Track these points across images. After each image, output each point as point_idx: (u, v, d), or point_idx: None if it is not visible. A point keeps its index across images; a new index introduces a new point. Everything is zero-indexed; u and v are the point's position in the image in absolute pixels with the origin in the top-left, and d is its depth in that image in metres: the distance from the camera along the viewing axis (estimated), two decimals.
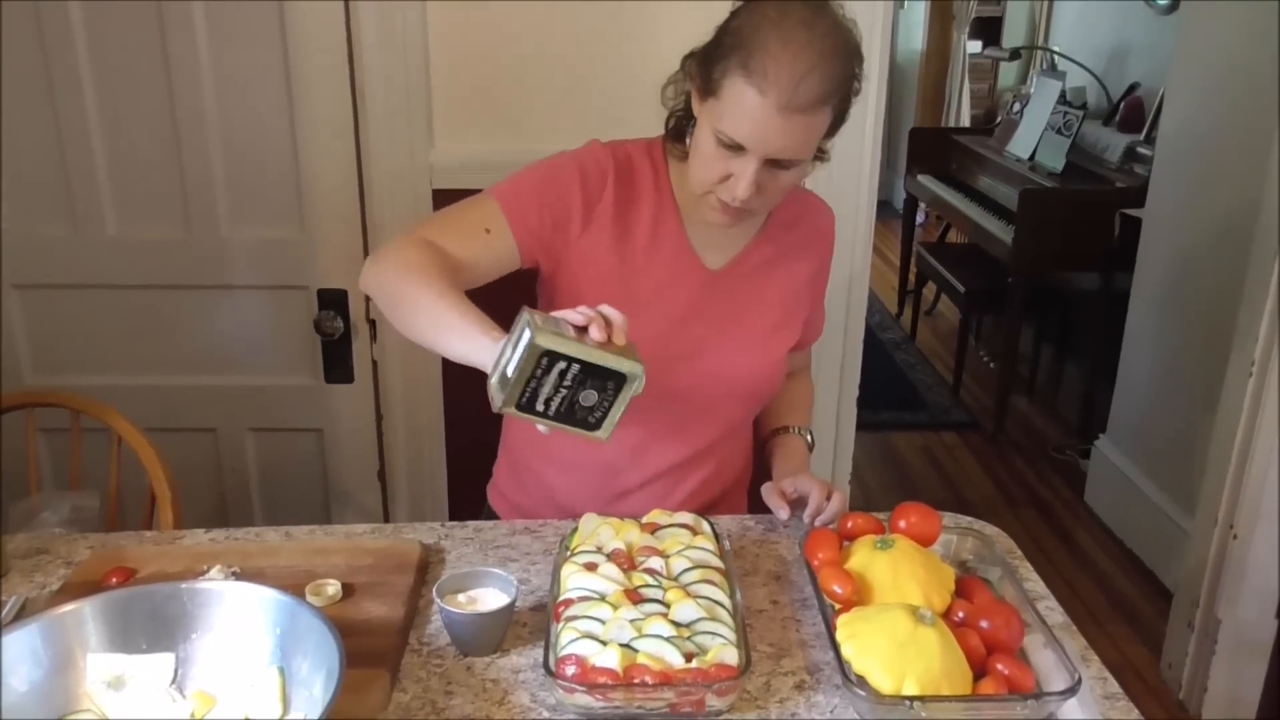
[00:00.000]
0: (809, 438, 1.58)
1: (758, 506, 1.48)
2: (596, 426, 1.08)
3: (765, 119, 1.19)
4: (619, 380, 1.05)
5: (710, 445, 1.49)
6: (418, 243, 1.28)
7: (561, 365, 1.03)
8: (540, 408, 1.05)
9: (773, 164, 1.24)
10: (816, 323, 1.60)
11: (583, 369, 1.04)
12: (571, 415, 1.07)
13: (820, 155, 1.36)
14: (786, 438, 1.57)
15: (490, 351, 1.07)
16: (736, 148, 1.22)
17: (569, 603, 1.14)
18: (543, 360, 1.02)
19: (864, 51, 2.00)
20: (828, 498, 1.39)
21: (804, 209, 1.50)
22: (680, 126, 1.38)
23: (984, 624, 1.13)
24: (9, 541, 1.37)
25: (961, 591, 1.21)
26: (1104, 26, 4.64)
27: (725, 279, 1.43)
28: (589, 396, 1.06)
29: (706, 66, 1.25)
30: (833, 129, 1.28)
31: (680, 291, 1.41)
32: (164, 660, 1.05)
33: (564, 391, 1.05)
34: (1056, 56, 4.96)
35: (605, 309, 1.08)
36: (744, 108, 1.19)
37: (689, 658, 1.07)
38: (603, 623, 1.10)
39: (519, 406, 1.05)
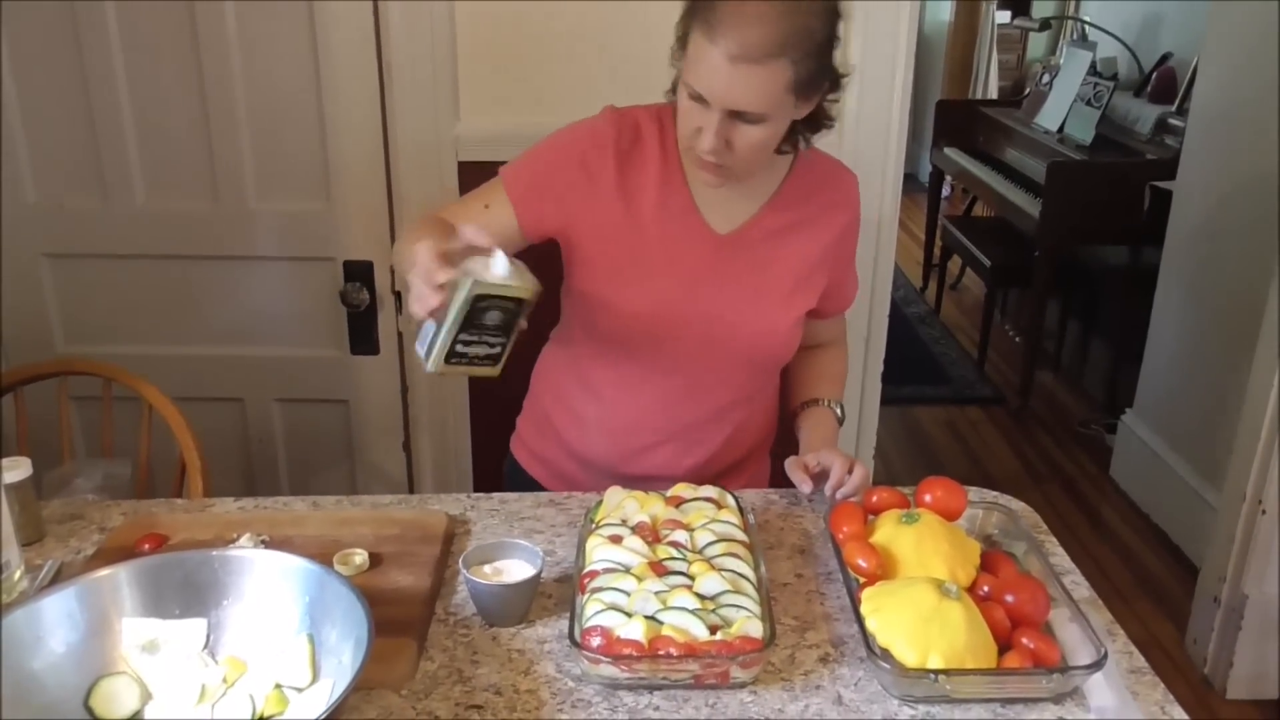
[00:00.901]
0: (839, 410, 1.57)
1: (780, 474, 1.49)
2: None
3: (717, 70, 1.21)
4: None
5: (725, 409, 1.50)
6: (427, 216, 1.39)
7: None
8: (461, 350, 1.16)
9: (737, 117, 1.25)
10: (846, 289, 1.59)
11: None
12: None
13: (827, 122, 1.37)
14: (815, 410, 1.56)
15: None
16: (701, 100, 1.25)
17: (594, 574, 1.15)
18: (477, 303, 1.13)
19: (892, 23, 2.00)
20: (850, 471, 1.39)
21: (824, 175, 1.49)
22: None
23: (1009, 598, 1.13)
24: (44, 507, 1.40)
25: (987, 566, 1.21)
26: None
27: (735, 244, 1.43)
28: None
29: (682, 24, 1.28)
30: (804, 88, 1.26)
31: (688, 255, 1.42)
32: (196, 626, 1.06)
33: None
34: (1087, 26, 4.89)
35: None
36: (702, 60, 1.23)
37: (713, 630, 1.08)
38: (628, 595, 1.11)
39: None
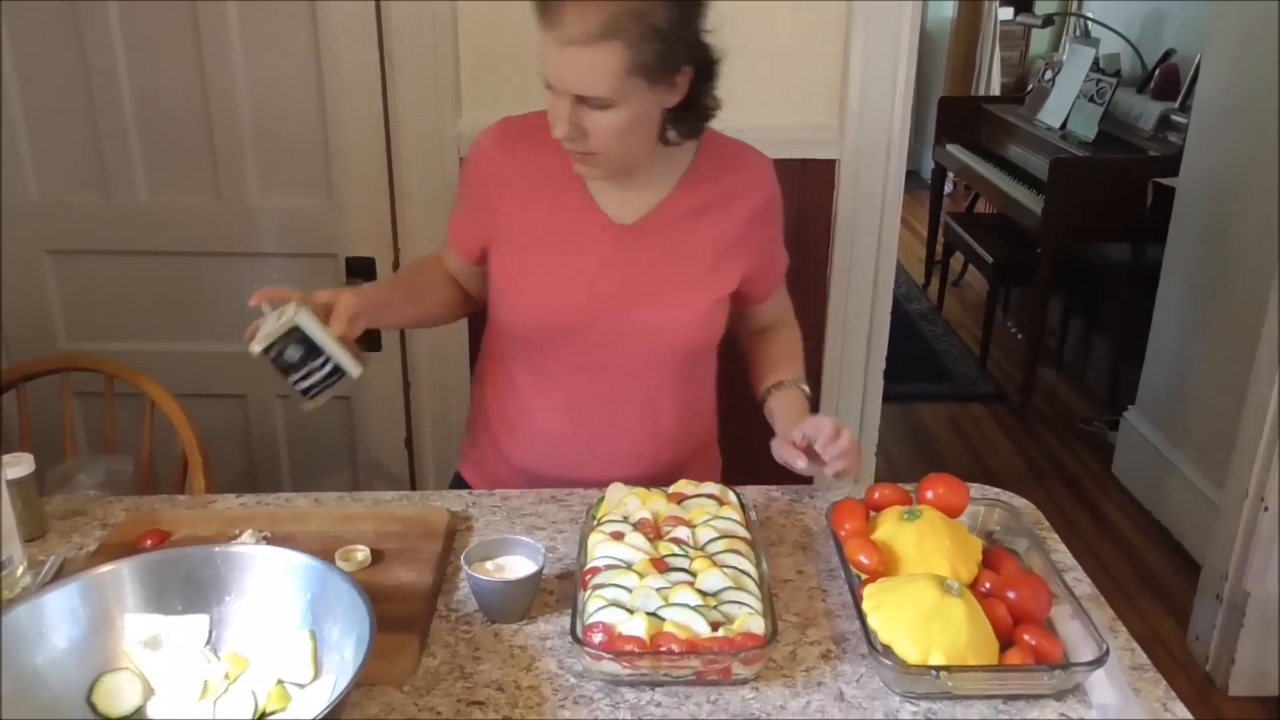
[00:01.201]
0: (804, 388, 1.54)
1: (734, 470, 1.48)
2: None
3: (552, 54, 1.25)
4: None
5: (654, 403, 1.50)
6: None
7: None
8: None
9: (583, 103, 1.27)
10: (773, 270, 1.57)
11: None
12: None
13: (706, 112, 1.38)
14: (780, 392, 1.54)
15: None
16: (551, 89, 1.28)
17: (595, 571, 1.15)
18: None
19: (894, 20, 2.00)
20: (838, 434, 1.35)
21: (730, 160, 1.48)
22: None
23: (1011, 595, 1.13)
24: (46, 503, 1.40)
25: (989, 563, 1.21)
26: None
27: (639, 233, 1.43)
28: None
29: None
30: (649, 72, 1.26)
31: (590, 249, 1.43)
32: (199, 622, 1.07)
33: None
34: (1090, 23, 4.88)
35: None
36: (542, 46, 1.26)
37: (715, 626, 1.08)
38: (629, 591, 1.11)
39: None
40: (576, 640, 1.07)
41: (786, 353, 1.60)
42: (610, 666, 1.07)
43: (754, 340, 1.62)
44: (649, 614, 1.07)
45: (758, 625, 1.08)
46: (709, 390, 1.60)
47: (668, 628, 1.06)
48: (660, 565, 1.14)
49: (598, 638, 1.06)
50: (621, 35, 1.22)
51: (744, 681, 1.09)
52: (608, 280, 1.43)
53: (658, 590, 1.10)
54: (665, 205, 1.44)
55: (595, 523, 1.25)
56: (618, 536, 1.20)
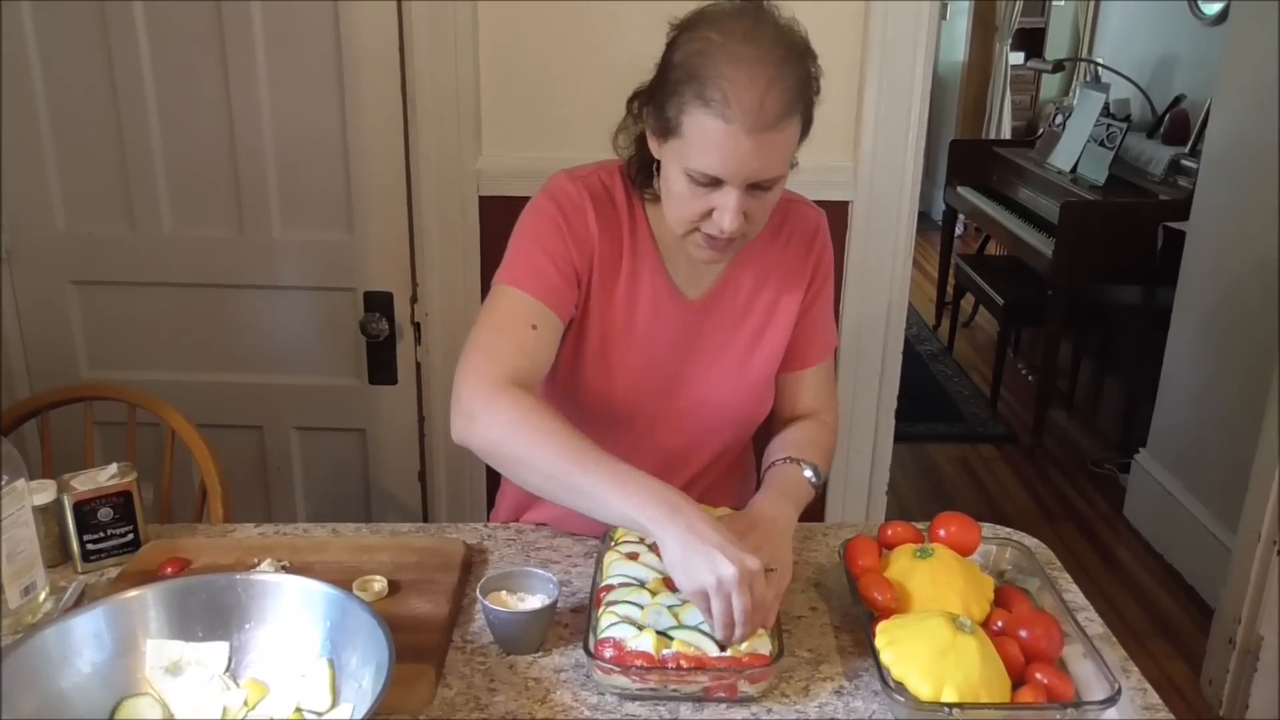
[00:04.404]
0: (808, 473, 1.35)
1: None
2: None
3: (736, 146, 1.14)
4: None
5: (707, 477, 1.47)
6: (501, 388, 1.21)
7: None
8: None
9: (753, 187, 1.19)
10: (814, 337, 1.46)
11: None
12: None
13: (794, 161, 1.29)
14: (781, 467, 1.35)
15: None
16: (713, 182, 1.18)
17: (610, 588, 1.18)
18: None
19: (907, 61, 2.04)
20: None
21: (785, 219, 1.42)
22: (647, 171, 1.33)
23: (1023, 633, 1.14)
24: None
25: (1000, 601, 1.22)
26: (1149, 38, 4.61)
27: (706, 307, 1.40)
28: None
29: (659, 106, 1.21)
30: (805, 132, 1.23)
31: (662, 325, 1.38)
32: (219, 648, 1.08)
33: None
34: (1100, 68, 4.92)
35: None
36: (712, 140, 1.14)
37: (723, 646, 1.10)
38: (641, 608, 1.14)
39: None
40: (589, 653, 1.10)
41: (810, 442, 1.41)
42: (620, 680, 1.10)
43: (781, 426, 1.47)
44: (659, 633, 1.10)
45: (764, 645, 1.11)
46: (745, 455, 1.57)
47: (676, 645, 1.10)
48: (672, 584, 1.15)
49: (608, 652, 1.09)
50: (798, 107, 1.16)
51: (750, 699, 1.11)
52: (676, 359, 1.39)
53: (669, 608, 1.13)
54: (729, 275, 1.39)
55: (613, 544, 1.28)
56: (633, 556, 1.23)
